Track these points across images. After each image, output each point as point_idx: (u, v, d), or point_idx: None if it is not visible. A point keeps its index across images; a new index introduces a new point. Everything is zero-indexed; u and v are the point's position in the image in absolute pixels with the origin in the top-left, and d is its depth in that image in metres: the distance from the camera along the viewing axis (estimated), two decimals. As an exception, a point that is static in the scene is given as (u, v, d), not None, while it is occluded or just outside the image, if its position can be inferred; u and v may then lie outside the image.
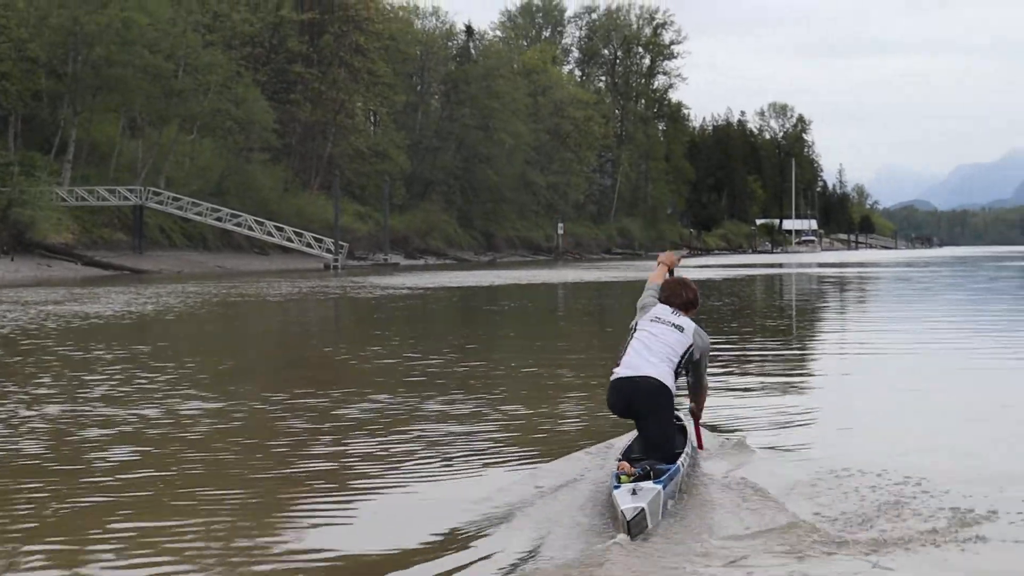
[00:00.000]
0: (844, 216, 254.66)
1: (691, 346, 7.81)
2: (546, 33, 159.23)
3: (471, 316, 27.49)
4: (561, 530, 6.40)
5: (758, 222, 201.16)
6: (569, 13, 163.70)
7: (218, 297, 35.18)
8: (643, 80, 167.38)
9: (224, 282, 47.96)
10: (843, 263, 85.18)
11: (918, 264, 78.96)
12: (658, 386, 7.48)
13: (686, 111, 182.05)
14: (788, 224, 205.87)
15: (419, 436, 9.54)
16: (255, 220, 75.07)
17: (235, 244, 78.13)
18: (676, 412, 8.04)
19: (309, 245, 76.28)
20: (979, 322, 23.10)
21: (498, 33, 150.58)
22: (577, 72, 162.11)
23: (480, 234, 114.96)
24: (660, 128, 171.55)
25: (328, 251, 75.76)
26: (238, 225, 74.86)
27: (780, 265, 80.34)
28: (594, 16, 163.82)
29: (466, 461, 8.53)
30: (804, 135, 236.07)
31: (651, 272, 8.73)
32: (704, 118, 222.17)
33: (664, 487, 6.58)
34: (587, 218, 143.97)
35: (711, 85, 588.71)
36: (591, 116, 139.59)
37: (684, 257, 8.89)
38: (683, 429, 8.20)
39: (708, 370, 8.52)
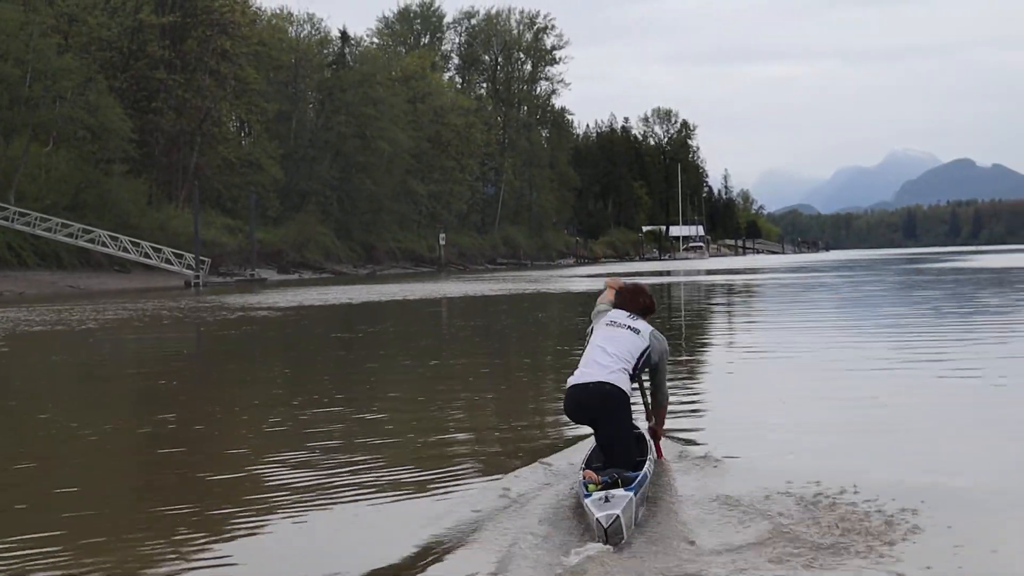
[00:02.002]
0: (731, 221, 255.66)
1: (647, 349, 7.99)
2: (425, 39, 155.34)
3: (317, 346, 23.58)
4: (527, 545, 6.36)
5: (645, 229, 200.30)
6: (448, 19, 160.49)
7: (34, 324, 30.87)
8: (525, 86, 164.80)
9: (63, 304, 43.46)
10: (743, 269, 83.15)
11: (821, 268, 77.39)
12: (613, 391, 7.59)
13: (570, 117, 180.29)
14: (675, 230, 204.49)
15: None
16: (109, 235, 70.27)
17: (94, 262, 72.82)
18: (634, 423, 8.05)
19: (168, 261, 71.71)
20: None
21: (375, 40, 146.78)
22: (457, 79, 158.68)
23: (360, 246, 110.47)
24: (544, 135, 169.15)
25: (188, 267, 71.18)
26: (91, 241, 69.97)
27: (668, 272, 77.82)
28: (473, 22, 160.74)
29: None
30: (689, 140, 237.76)
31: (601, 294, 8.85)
32: (588, 125, 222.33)
33: (635, 493, 6.68)
34: (471, 228, 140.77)
35: (595, 92, 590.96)
36: (472, 123, 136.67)
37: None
38: (641, 438, 8.22)
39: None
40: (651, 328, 8.14)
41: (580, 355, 8.07)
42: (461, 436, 10.76)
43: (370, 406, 12.85)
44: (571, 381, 7.80)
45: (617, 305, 8.35)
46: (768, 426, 10.41)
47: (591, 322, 8.36)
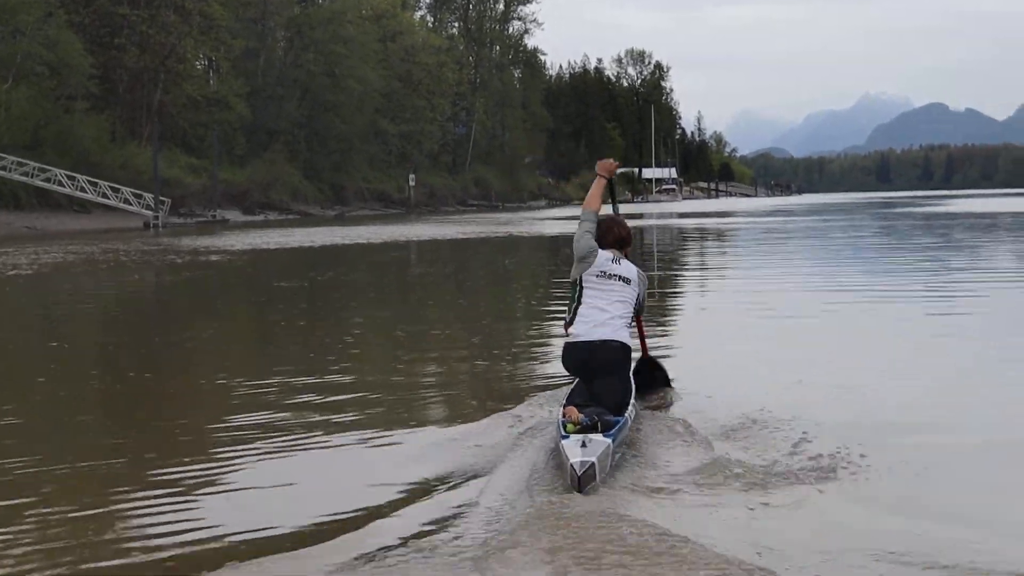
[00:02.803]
0: (704, 164, 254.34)
1: (639, 294, 8.35)
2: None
3: (251, 297, 22.13)
4: (507, 483, 6.48)
5: (618, 171, 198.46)
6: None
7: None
8: (497, 25, 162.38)
9: (10, 246, 41.91)
10: (716, 213, 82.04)
11: (797, 212, 76.09)
12: (619, 347, 7.91)
13: (543, 58, 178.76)
14: (648, 172, 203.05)
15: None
16: (67, 175, 68.39)
17: (53, 203, 70.44)
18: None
19: (127, 201, 69.80)
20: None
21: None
22: (429, 18, 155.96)
23: (328, 186, 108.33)
24: (516, 75, 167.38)
25: (148, 208, 69.31)
26: (47, 180, 67.94)
27: (640, 215, 76.55)
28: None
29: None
30: (662, 82, 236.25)
31: (588, 194, 8.64)
32: (561, 66, 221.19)
33: (613, 440, 6.70)
34: (442, 168, 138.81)
35: (568, 33, 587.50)
36: (444, 62, 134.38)
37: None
38: (630, 379, 8.23)
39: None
40: (636, 270, 8.31)
41: (563, 306, 8.63)
42: (429, 385, 10.80)
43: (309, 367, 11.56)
44: (573, 336, 8.00)
45: (598, 238, 8.32)
46: (734, 365, 10.85)
47: (574, 258, 8.28)
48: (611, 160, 8.88)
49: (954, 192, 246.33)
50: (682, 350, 11.84)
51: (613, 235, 8.42)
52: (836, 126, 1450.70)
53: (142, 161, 78.63)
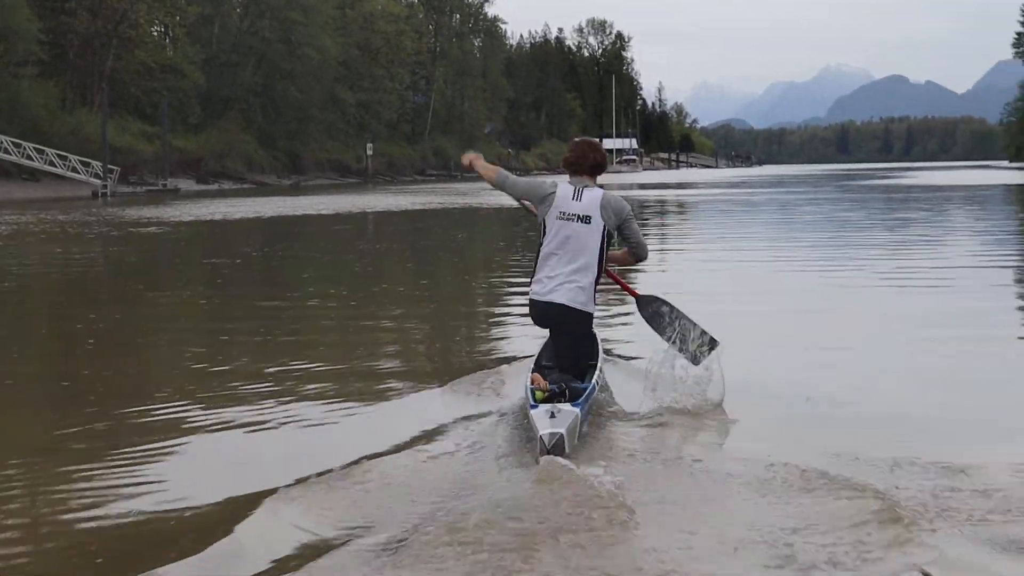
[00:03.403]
0: (664, 135, 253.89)
1: (604, 229, 7.63)
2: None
3: (172, 276, 20.87)
4: (477, 453, 6.48)
5: (577, 141, 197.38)
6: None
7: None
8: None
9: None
10: (676, 184, 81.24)
11: (760, 184, 75.47)
12: (572, 314, 7.52)
13: (503, 27, 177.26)
14: (608, 143, 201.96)
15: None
16: (12, 142, 66.78)
17: (3, 171, 69.26)
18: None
19: (75, 170, 68.20)
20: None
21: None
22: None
23: (284, 156, 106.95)
24: (476, 44, 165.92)
25: (96, 176, 67.76)
26: (-7, 148, 66.37)
27: (601, 186, 75.41)
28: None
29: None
30: (623, 52, 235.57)
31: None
32: (522, 35, 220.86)
33: (581, 409, 6.68)
34: (400, 138, 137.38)
35: (529, 2, 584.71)
36: (403, 31, 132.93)
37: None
38: (593, 339, 8.11)
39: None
40: (599, 197, 7.65)
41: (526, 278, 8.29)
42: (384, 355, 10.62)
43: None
44: (534, 293, 7.68)
45: (569, 163, 7.87)
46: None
47: (528, 198, 7.99)
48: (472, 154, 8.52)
49: (913, 164, 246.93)
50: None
51: (589, 161, 7.87)
52: (797, 98, 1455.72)
53: (93, 129, 76.96)
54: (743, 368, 8.45)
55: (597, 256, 7.59)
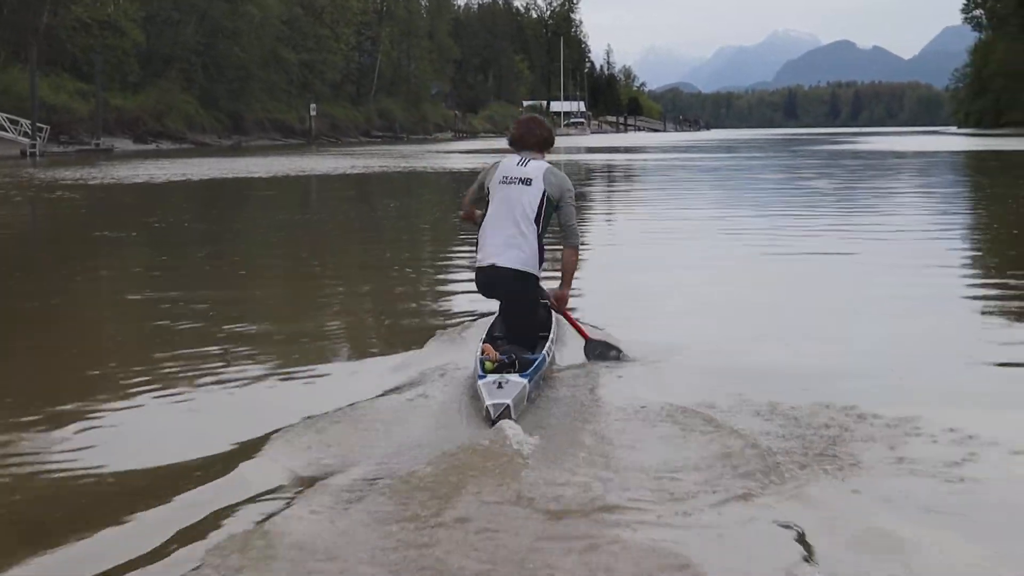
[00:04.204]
0: (613, 98, 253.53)
1: (544, 193, 7.51)
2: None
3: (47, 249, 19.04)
4: (427, 422, 6.34)
5: (525, 103, 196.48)
6: None
7: None
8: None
9: None
10: (624, 148, 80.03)
11: (709, 149, 74.38)
12: (514, 275, 7.41)
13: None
14: (556, 106, 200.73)
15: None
16: (-62, 100, 64.67)
17: (-66, 129, 67.16)
18: (541, 295, 7.89)
19: (2, 127, 66.04)
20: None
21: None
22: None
23: (226, 116, 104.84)
24: (423, 4, 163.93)
25: (25, 134, 65.60)
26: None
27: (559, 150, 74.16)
28: None
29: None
30: (572, 15, 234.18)
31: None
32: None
33: (530, 380, 6.64)
34: (345, 99, 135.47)
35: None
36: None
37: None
38: (547, 310, 8.12)
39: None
40: (545, 166, 7.57)
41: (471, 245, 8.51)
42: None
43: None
44: (479, 260, 7.58)
45: (514, 140, 7.77)
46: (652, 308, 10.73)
47: (481, 181, 7.80)
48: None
49: (863, 129, 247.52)
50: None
51: (534, 137, 7.74)
52: (744, 62, 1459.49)
53: (25, 87, 74.52)
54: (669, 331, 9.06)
55: (537, 217, 7.46)
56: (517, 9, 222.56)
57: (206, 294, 11.80)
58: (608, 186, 33.70)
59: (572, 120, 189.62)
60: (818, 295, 11.43)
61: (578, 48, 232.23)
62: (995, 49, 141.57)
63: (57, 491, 5.42)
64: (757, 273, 13.08)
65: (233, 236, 19.19)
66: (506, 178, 7.54)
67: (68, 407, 6.93)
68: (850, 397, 6.69)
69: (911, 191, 28.72)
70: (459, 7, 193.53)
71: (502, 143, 8.33)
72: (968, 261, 14.71)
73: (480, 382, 6.55)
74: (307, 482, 5.34)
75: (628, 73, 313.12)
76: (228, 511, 5.02)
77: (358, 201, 28.17)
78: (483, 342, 7.37)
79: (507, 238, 7.42)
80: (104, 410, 6.87)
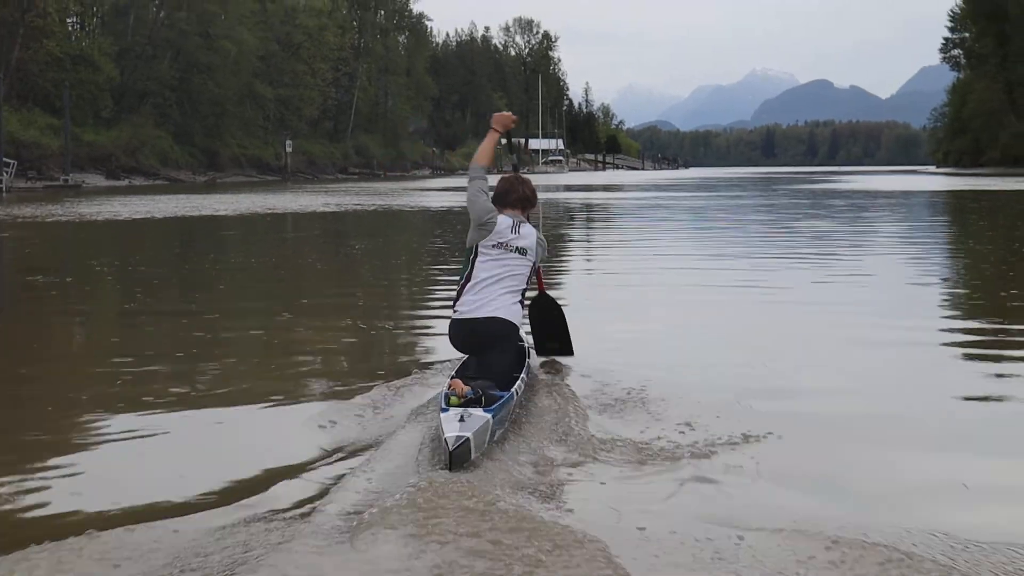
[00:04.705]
0: (591, 136, 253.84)
1: (534, 263, 7.89)
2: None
3: None
4: (390, 460, 6.13)
5: (503, 141, 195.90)
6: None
7: None
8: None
9: None
10: (601, 186, 79.12)
11: (689, 187, 73.41)
12: (504, 324, 7.53)
13: (428, 24, 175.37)
14: (535, 143, 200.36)
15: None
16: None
17: None
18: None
19: (-34, 163, 64.56)
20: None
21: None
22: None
23: (200, 152, 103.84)
24: (401, 41, 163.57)
25: (-9, 170, 64.10)
26: None
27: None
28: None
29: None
30: (550, 52, 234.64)
31: (482, 145, 8.21)
32: (448, 33, 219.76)
33: (494, 416, 6.41)
34: (322, 135, 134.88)
35: (457, 2, 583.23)
36: (325, 25, 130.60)
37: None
38: (521, 351, 8.01)
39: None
40: (534, 235, 7.89)
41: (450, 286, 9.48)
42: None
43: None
44: (458, 313, 7.66)
45: (498, 195, 8.03)
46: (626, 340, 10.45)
47: (471, 222, 7.85)
48: (508, 113, 8.34)
49: (842, 168, 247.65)
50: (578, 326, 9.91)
51: (517, 194, 8.05)
52: (723, 101, 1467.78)
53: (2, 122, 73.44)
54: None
55: (526, 282, 7.82)
56: (496, 46, 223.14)
57: (112, 345, 10.60)
58: (587, 227, 32.48)
59: (550, 158, 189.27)
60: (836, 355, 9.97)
61: (556, 86, 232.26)
62: (974, 89, 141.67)
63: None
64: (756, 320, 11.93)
65: (178, 281, 17.65)
66: (501, 243, 7.69)
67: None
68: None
69: (916, 234, 27.64)
70: (437, 44, 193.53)
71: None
72: None
73: (442, 415, 6.31)
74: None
75: (607, 111, 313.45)
76: (229, 535, 4.94)
77: (320, 241, 26.67)
78: (451, 376, 7.20)
79: (496, 297, 7.57)
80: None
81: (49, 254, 23.54)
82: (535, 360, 8.75)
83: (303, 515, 5.19)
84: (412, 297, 14.90)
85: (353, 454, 6.36)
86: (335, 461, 6.23)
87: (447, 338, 7.92)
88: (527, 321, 8.59)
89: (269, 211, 40.19)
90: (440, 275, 16.56)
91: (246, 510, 5.32)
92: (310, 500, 5.48)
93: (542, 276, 8.89)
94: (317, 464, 6.19)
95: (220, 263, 20.57)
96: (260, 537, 4.89)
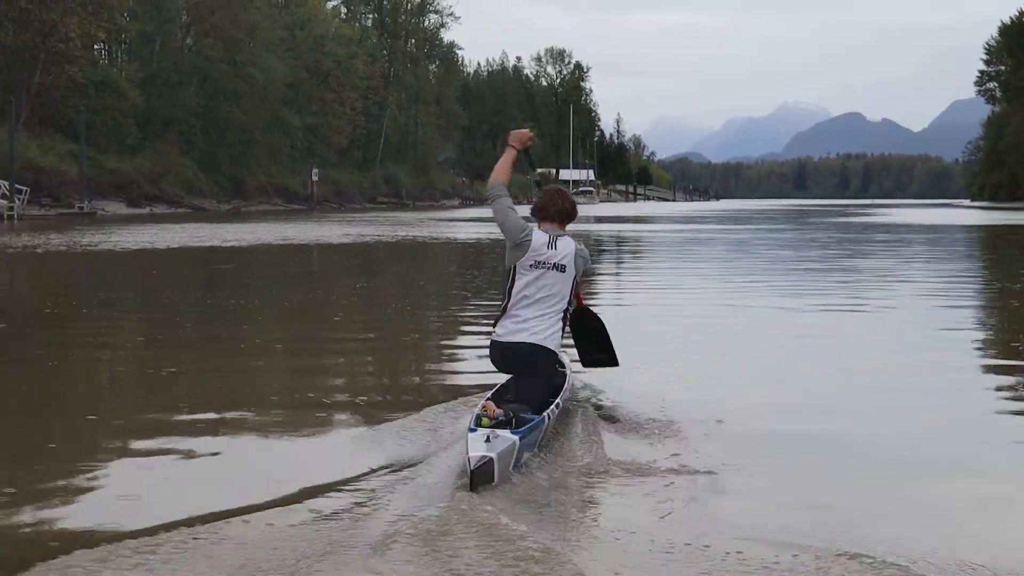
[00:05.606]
0: (622, 167, 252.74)
1: (575, 277, 7.81)
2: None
3: None
4: (427, 481, 6.17)
5: (536, 171, 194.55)
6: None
7: None
8: (413, 18, 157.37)
9: None
10: (633, 218, 77.29)
11: (726, 220, 71.45)
12: (538, 350, 7.53)
13: (459, 53, 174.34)
14: (565, 174, 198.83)
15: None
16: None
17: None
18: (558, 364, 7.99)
19: (-21, 189, 62.83)
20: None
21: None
22: (342, 7, 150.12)
23: (226, 180, 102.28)
24: (431, 70, 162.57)
25: (3, 196, 62.27)
26: None
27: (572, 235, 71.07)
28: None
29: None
30: (582, 83, 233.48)
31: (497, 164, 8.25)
32: (479, 63, 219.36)
33: (522, 438, 6.43)
34: (351, 164, 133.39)
35: (487, 29, 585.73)
36: (355, 54, 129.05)
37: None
38: (560, 375, 8.07)
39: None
40: (572, 248, 7.76)
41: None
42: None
43: None
44: (498, 335, 7.69)
45: (538, 210, 7.96)
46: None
47: (506, 242, 7.80)
48: (525, 130, 8.40)
49: (875, 201, 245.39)
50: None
51: (557, 208, 7.93)
52: (754, 133, 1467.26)
53: (16, 147, 71.61)
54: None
55: (567, 302, 7.76)
56: (527, 76, 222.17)
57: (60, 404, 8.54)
58: (617, 262, 30.16)
59: (581, 188, 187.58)
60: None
61: (588, 116, 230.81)
62: (1010, 122, 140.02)
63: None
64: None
65: (148, 322, 15.35)
66: (538, 262, 7.65)
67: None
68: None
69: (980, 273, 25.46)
70: (468, 73, 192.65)
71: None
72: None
73: (470, 435, 6.30)
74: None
75: (638, 142, 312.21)
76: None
77: (321, 279, 24.13)
78: (486, 399, 7.16)
79: (536, 319, 7.57)
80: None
81: (24, 289, 21.32)
82: (577, 380, 8.76)
83: (340, 527, 5.33)
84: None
85: (395, 471, 6.42)
86: (377, 476, 6.34)
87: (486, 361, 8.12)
88: (570, 338, 8.35)
89: (283, 241, 37.99)
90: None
91: (294, 515, 5.53)
92: (344, 518, 5.51)
93: (581, 295, 8.50)
94: (359, 480, 6.27)
95: (198, 302, 18.17)
96: (303, 548, 5.03)
